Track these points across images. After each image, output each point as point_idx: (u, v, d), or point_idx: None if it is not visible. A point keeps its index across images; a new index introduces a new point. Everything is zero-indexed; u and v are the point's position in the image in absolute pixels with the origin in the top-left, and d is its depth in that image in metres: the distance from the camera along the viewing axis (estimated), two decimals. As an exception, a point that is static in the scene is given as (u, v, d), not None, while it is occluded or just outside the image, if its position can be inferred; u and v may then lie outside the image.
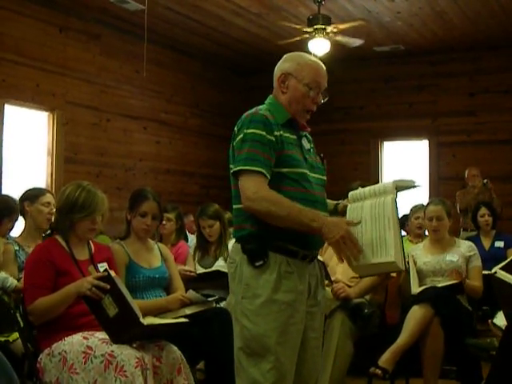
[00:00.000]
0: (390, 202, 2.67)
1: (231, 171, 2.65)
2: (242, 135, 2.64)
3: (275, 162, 2.63)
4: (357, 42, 7.83)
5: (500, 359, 2.89)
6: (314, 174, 2.74)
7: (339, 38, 7.62)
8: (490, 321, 3.45)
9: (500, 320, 3.27)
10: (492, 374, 2.92)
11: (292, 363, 2.64)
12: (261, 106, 2.74)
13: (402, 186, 2.79)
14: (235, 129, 2.70)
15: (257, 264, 2.61)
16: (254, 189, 2.56)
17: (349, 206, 2.81)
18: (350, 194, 2.84)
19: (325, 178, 2.84)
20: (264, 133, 2.61)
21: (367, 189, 2.80)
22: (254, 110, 2.71)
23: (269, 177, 2.59)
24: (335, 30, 7.48)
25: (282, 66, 2.81)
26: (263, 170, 2.57)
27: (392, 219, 2.63)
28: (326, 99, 2.81)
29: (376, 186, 2.81)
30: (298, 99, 2.75)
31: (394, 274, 4.37)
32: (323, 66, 2.83)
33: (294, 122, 2.78)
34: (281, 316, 2.59)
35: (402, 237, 2.71)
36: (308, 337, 2.72)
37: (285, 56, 2.85)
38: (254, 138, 2.60)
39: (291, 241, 2.63)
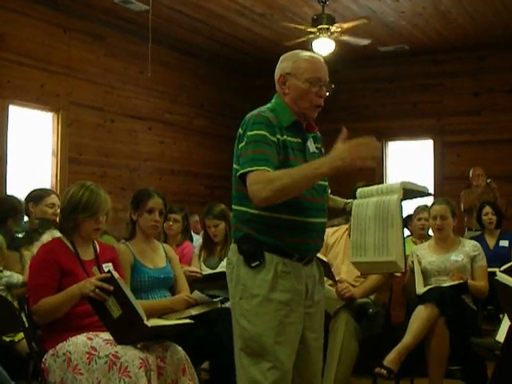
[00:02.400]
0: (395, 202, 2.67)
1: (237, 174, 2.60)
2: (245, 138, 2.61)
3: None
4: (364, 41, 7.82)
5: (504, 359, 2.88)
6: None
7: (346, 37, 7.61)
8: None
9: (502, 335, 3.25)
10: (496, 374, 2.91)
11: (291, 362, 2.63)
12: (264, 108, 2.71)
13: (409, 188, 2.78)
14: (240, 130, 2.67)
15: (253, 264, 2.60)
16: (257, 181, 2.50)
17: (355, 201, 2.80)
18: (359, 191, 2.84)
19: (326, 183, 2.78)
20: (267, 133, 2.58)
21: (375, 187, 2.80)
22: (256, 111, 2.67)
23: None
24: (339, 30, 7.47)
25: (279, 67, 2.77)
26: (268, 168, 2.52)
27: (395, 219, 2.63)
28: (330, 91, 2.77)
29: (384, 185, 2.81)
30: (301, 97, 2.70)
31: (398, 274, 4.36)
32: (320, 58, 2.79)
33: (300, 125, 2.74)
34: (278, 315, 2.59)
35: (404, 237, 2.71)
36: (308, 337, 2.72)
37: (281, 57, 2.81)
38: (257, 139, 2.57)
39: (287, 245, 2.62)
